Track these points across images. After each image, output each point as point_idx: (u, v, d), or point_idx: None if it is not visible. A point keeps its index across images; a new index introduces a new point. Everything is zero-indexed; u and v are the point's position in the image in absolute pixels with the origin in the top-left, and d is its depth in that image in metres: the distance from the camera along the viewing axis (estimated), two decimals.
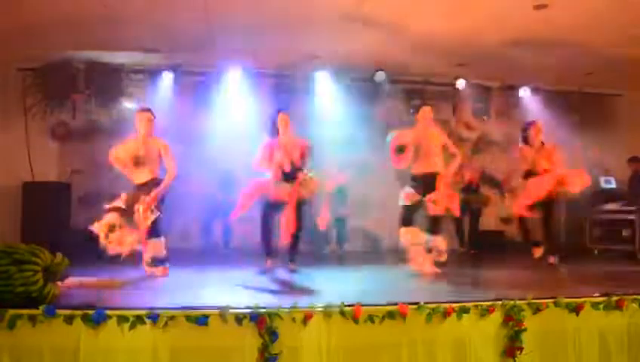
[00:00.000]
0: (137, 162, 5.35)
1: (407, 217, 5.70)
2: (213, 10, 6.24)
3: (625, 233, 7.98)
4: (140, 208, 5.18)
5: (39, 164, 8.16)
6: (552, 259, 6.18)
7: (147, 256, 5.26)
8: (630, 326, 3.97)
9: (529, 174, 6.22)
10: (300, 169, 5.83)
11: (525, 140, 6.38)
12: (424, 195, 5.64)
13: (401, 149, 5.73)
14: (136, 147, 5.39)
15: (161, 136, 5.58)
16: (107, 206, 5.22)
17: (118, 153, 5.43)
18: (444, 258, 5.59)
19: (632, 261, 7.36)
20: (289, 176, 5.77)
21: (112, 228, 5.08)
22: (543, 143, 6.30)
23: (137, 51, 7.77)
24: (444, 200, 5.62)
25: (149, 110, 5.56)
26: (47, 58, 7.88)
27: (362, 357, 3.47)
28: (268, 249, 5.90)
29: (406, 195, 5.72)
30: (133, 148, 5.39)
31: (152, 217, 5.18)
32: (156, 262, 5.26)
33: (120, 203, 5.23)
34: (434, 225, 5.69)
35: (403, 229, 5.67)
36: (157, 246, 5.27)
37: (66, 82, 8.15)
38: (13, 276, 3.30)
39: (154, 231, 5.25)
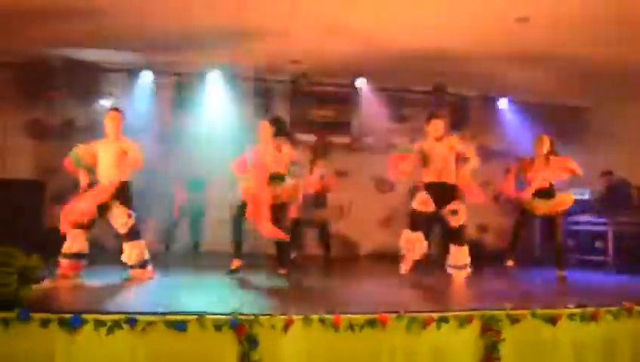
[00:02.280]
0: (104, 164, 5.24)
1: (418, 222, 5.66)
2: (192, 11, 6.19)
3: (597, 244, 8.17)
4: (115, 211, 5.10)
5: (13, 162, 7.98)
6: (562, 273, 6.20)
7: (129, 260, 5.15)
8: (605, 338, 4.04)
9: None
10: (281, 174, 5.79)
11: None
12: (439, 206, 5.62)
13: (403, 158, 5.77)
14: (105, 148, 5.29)
15: (137, 135, 5.50)
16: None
17: (81, 154, 5.27)
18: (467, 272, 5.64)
19: (605, 272, 7.50)
20: (271, 180, 5.70)
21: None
22: (548, 156, 6.29)
23: (116, 49, 7.66)
24: (464, 211, 5.63)
25: (116, 110, 5.48)
26: (22, 53, 7.71)
27: None
28: (237, 250, 5.78)
29: (421, 200, 5.66)
30: (100, 149, 5.29)
31: (131, 222, 5.11)
32: (139, 264, 5.17)
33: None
34: (457, 237, 5.66)
35: (408, 233, 5.65)
36: (138, 249, 5.18)
37: (41, 79, 7.99)
38: None
39: (133, 234, 5.17)
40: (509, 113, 9.52)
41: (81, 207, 5.01)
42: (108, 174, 5.20)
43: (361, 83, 8.82)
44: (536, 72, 7.94)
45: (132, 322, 3.17)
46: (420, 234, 5.67)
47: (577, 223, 8.45)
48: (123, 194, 5.18)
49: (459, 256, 5.65)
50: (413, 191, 5.91)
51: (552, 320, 3.92)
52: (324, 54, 7.53)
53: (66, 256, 4.98)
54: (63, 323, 3.09)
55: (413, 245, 5.67)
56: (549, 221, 6.25)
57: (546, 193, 6.23)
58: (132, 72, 8.35)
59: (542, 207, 6.20)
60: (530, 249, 9.06)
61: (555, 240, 6.32)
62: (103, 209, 5.11)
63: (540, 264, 7.61)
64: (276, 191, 5.67)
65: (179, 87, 8.58)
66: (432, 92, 9.03)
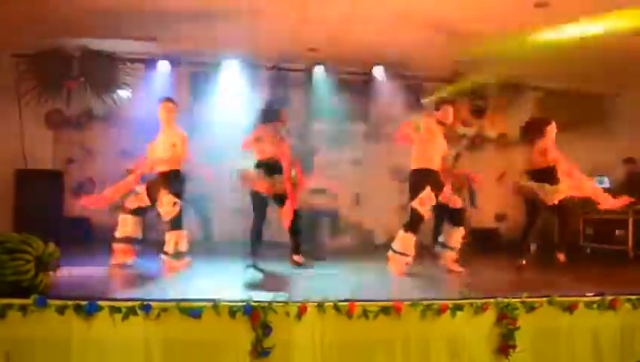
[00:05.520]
0: (156, 152, 5.37)
1: (418, 224, 5.44)
2: None
3: (618, 233, 8.02)
4: (163, 199, 5.17)
5: (33, 152, 8.07)
6: (562, 257, 6.14)
7: (168, 248, 5.19)
8: (623, 326, 3.97)
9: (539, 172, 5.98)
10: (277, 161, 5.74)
11: (533, 139, 6.16)
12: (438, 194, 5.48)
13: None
14: (158, 139, 5.41)
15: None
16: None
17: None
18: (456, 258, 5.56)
19: (625, 261, 7.38)
20: (274, 170, 5.69)
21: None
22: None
23: (133, 39, 7.69)
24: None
25: (169, 100, 5.51)
26: (42, 44, 7.78)
27: (355, 352, 3.47)
28: (253, 242, 5.70)
29: (426, 201, 5.38)
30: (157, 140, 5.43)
31: (176, 209, 5.17)
32: (178, 255, 5.19)
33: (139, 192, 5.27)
34: (457, 217, 5.58)
35: (406, 235, 5.39)
36: (179, 239, 5.21)
37: (60, 69, 8.06)
38: (5, 265, 3.27)
39: (176, 223, 5.22)
40: (528, 100, 9.36)
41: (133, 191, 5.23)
42: (158, 163, 5.29)
43: (378, 71, 8.75)
44: (556, 59, 7.80)
45: (147, 308, 3.20)
46: (415, 237, 5.43)
47: (596, 211, 8.30)
48: (171, 182, 5.23)
49: (452, 235, 5.57)
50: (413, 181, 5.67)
51: (569, 309, 3.86)
52: (342, 42, 7.47)
53: (119, 240, 5.15)
54: (78, 309, 3.13)
55: (410, 248, 5.39)
56: (557, 208, 6.04)
57: (545, 176, 5.94)
58: (149, 62, 8.40)
59: (545, 193, 5.89)
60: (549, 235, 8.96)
61: (561, 228, 6.24)
62: (154, 196, 5.23)
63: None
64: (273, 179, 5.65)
65: (195, 77, 8.62)
66: (450, 80, 8.94)
